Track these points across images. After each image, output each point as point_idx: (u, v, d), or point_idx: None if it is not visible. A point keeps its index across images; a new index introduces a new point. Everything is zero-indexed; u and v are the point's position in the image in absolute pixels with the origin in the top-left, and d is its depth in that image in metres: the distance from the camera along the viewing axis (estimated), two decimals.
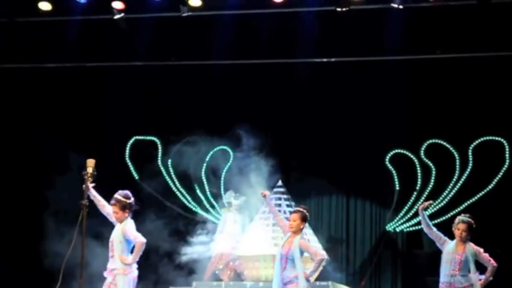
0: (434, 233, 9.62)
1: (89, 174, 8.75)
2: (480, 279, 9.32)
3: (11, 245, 14.79)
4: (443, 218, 14.62)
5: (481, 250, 9.44)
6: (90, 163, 8.80)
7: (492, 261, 9.37)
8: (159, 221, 13.44)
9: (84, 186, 8.73)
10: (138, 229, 8.92)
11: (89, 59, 15.02)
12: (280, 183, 13.30)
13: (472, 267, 9.25)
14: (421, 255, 14.68)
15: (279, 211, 12.70)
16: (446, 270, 9.38)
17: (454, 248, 9.40)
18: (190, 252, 12.84)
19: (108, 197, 8.93)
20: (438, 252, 14.49)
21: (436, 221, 14.63)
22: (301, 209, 9.03)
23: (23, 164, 15.17)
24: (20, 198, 15.07)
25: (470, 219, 9.44)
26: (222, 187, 14.94)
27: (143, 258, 8.86)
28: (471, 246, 9.37)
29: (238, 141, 13.60)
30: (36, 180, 14.90)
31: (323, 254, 8.92)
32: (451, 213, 14.63)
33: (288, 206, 12.76)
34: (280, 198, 12.87)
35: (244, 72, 14.79)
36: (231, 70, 14.80)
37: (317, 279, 12.71)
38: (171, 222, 14.06)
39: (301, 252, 8.65)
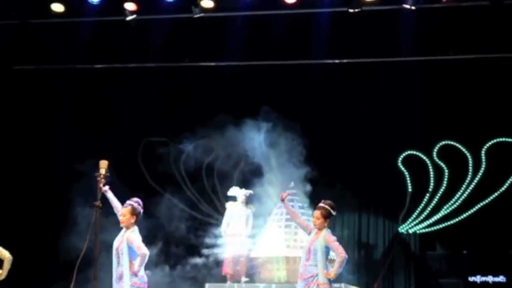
0: (302, 222, 9.01)
1: (101, 176, 8.73)
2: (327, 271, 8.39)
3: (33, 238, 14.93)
4: (457, 219, 14.60)
5: (332, 239, 8.50)
6: (103, 164, 8.78)
7: (340, 251, 8.40)
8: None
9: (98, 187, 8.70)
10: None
11: (101, 60, 15.04)
12: (292, 184, 13.29)
13: (320, 256, 8.37)
14: (434, 256, 14.64)
15: None
16: (301, 260, 8.64)
17: (311, 237, 8.63)
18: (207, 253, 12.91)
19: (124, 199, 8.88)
20: (452, 254, 14.56)
21: (449, 223, 14.64)
22: (131, 203, 8.70)
23: (37, 165, 15.25)
24: (41, 193, 15.17)
25: (325, 206, 8.60)
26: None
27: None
28: (323, 235, 8.48)
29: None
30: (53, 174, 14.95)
31: (145, 250, 8.55)
32: (464, 215, 14.61)
33: (300, 207, 12.75)
34: (292, 200, 12.85)
35: (256, 74, 14.77)
36: (243, 71, 14.78)
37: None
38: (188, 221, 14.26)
39: (129, 247, 8.46)
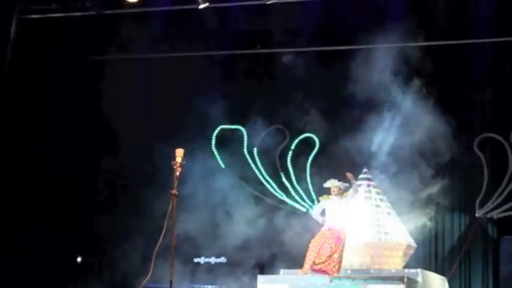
0: None
1: (178, 164, 8.79)
2: None
3: None
4: None
5: None
6: (179, 153, 8.85)
7: None
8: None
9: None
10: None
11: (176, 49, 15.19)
12: (365, 169, 13.20)
13: None
14: None
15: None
16: None
17: None
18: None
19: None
20: None
21: None
22: None
23: None
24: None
25: None
26: (308, 175, 15.06)
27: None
28: None
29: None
30: None
31: None
32: None
33: (380, 200, 12.67)
34: (370, 191, 12.78)
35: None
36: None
37: (406, 266, 12.61)
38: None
39: None
